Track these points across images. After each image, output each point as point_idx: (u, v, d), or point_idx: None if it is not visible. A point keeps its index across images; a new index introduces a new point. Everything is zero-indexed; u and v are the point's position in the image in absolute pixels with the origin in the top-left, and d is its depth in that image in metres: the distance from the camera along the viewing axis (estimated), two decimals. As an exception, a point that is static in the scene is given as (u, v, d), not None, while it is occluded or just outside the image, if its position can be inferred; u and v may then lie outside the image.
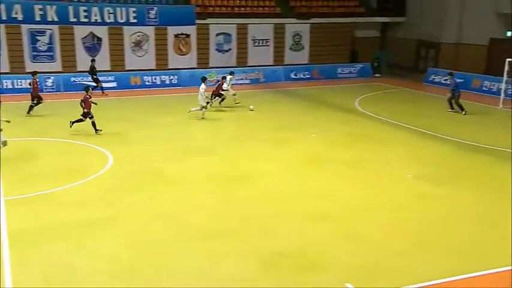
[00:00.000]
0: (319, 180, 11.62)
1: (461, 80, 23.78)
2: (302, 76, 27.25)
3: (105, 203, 10.16)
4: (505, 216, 9.56)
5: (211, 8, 26.91)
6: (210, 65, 26.56)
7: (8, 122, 12.92)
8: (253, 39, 27.62)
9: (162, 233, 8.88)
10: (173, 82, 24.76)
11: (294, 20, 28.20)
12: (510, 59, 19.64)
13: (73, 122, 15.12)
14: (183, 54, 26.30)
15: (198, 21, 25.42)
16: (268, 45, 27.99)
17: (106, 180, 11.48)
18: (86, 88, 15.68)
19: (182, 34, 26.09)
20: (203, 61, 26.64)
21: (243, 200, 10.35)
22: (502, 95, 20.03)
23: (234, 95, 19.86)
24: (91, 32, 24.35)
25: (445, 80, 24.82)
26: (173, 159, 13.11)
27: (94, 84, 21.36)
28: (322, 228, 9.01)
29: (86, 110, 15.06)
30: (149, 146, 14.28)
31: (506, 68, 19.64)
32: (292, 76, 27.04)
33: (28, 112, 17.49)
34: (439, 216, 9.61)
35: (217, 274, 7.52)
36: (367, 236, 8.74)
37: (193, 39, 26.33)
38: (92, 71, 22.22)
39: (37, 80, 18.26)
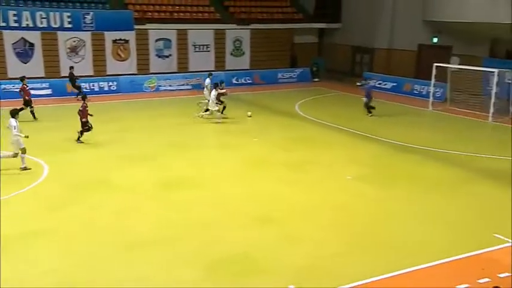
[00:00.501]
0: (263, 184, 11.78)
1: (395, 84, 25.13)
2: (243, 81, 27.48)
3: (43, 214, 9.74)
4: (436, 211, 10.18)
5: (150, 14, 26.54)
6: (151, 71, 26.16)
7: (27, 137, 12.25)
8: (194, 45, 27.52)
9: (106, 242, 8.66)
10: (112, 89, 24.14)
11: (233, 26, 28.41)
12: (437, 64, 20.90)
13: (79, 137, 14.86)
14: (122, 60, 25.70)
15: (136, 27, 24.99)
16: (209, 51, 27.99)
17: (43, 191, 10.99)
18: (83, 97, 15.28)
19: (120, 39, 25.50)
20: (143, 67, 26.19)
21: (187, 206, 10.30)
22: (431, 98, 21.27)
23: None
24: (22, 38, 23.18)
25: (379, 84, 26.10)
26: (115, 167, 12.79)
27: (77, 91, 21.38)
28: (266, 232, 9.16)
29: (83, 120, 14.75)
30: (89, 154, 13.84)
31: (434, 72, 20.88)
32: (234, 81, 27.18)
33: (34, 117, 17.50)
34: (376, 215, 10.05)
35: (162, 281, 7.44)
36: (309, 237, 8.98)
37: (132, 45, 25.80)
38: (72, 78, 21.81)
39: (26, 85, 18.02)
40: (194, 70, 27.03)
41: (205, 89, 19.77)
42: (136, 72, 25.80)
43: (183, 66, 27.19)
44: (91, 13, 23.73)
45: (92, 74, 24.61)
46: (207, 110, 18.34)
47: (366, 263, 8.05)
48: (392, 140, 15.64)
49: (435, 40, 25.37)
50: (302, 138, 16.25)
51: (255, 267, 7.89)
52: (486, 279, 7.47)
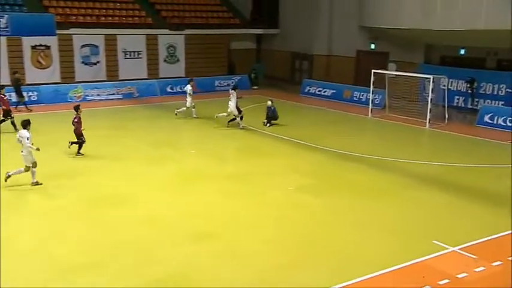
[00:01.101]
0: (201, 198, 11.72)
1: (334, 91, 25.96)
2: (179, 90, 27.17)
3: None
4: (380, 219, 10.61)
5: (74, 17, 25.72)
6: (77, 80, 25.32)
7: (38, 149, 12.11)
8: (124, 51, 26.97)
9: (32, 269, 8.22)
10: (33, 99, 23.06)
11: (167, 31, 28.19)
12: (375, 70, 21.85)
13: (78, 150, 14.91)
14: (43, 68, 24.68)
15: (59, 32, 24.08)
16: (140, 58, 27.55)
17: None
18: (77, 107, 15.12)
19: (41, 45, 24.50)
20: (68, 75, 25.28)
21: (120, 226, 10.02)
22: (370, 105, 22.19)
23: (193, 107, 20.34)
24: None
25: (319, 91, 26.89)
26: (39, 186, 12.17)
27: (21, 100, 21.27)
28: (206, 249, 9.10)
29: (78, 132, 14.83)
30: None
31: (372, 78, 21.82)
32: (169, 90, 26.92)
33: (15, 128, 16.70)
34: (319, 226, 10.30)
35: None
36: (252, 252, 9.02)
37: (54, 51, 24.88)
38: (16, 85, 21.13)
39: (4, 94, 17.96)
40: (125, 78, 26.49)
41: (187, 95, 20.36)
42: (59, 81, 24.88)
43: (112, 74, 26.55)
44: (6, 16, 22.56)
45: (8, 83, 23.32)
46: (233, 119, 18.92)
47: (309, 276, 8.21)
48: (334, 149, 16.13)
49: (373, 46, 26.55)
50: (242, 148, 16.36)
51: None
52: (427, 287, 7.86)
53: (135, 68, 27.13)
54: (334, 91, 26.11)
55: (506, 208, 11.28)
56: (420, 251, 9.02)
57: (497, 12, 18.59)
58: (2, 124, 17.53)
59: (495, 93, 21.56)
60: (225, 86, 28.65)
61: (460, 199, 11.85)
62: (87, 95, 24.54)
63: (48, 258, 8.65)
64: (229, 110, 18.79)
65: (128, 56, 27.14)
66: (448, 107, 20.62)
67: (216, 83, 28.48)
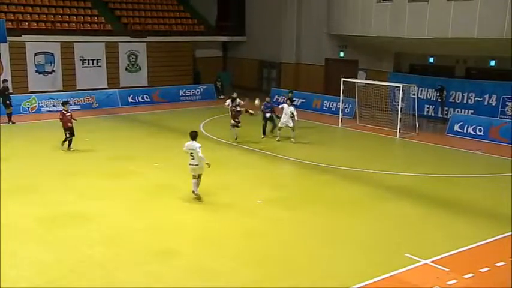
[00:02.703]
0: (165, 214, 11.63)
1: (304, 100, 26.29)
2: (141, 100, 27.03)
3: None
4: (352, 233, 10.75)
5: (27, 23, 25.23)
6: (30, 90, 24.81)
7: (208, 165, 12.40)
8: (82, 59, 26.61)
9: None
10: (-19, 111, 22.40)
11: (127, 38, 27.98)
12: (344, 79, 22.21)
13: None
14: (-8, 78, 24.05)
15: (10, 38, 23.57)
16: (100, 66, 27.22)
17: None
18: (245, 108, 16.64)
19: (-10, 53, 23.94)
20: (20, 85, 24.70)
21: (76, 245, 9.80)
22: (340, 114, 22.52)
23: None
24: None
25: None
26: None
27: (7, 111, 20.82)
28: (171, 267, 9.02)
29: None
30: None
31: (342, 87, 22.16)
32: (130, 100, 26.66)
33: (69, 147, 16.87)
34: (289, 241, 10.36)
35: None
36: (220, 268, 8.99)
37: (5, 60, 24.27)
38: (4, 94, 20.70)
39: (67, 110, 17.11)
40: (83, 88, 26.10)
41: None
42: (11, 91, 24.15)
43: (69, 84, 26.13)
44: (-49, 21, 22.02)
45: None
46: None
47: (280, 294, 8.24)
48: (303, 160, 16.29)
49: (342, 54, 27.04)
50: (208, 160, 16.26)
51: (159, 310, 7.72)
52: (399, 301, 8.02)
53: (93, 77, 26.79)
54: (303, 100, 26.37)
55: (478, 218, 11.67)
56: (392, 264, 9.18)
57: (464, 21, 19.29)
58: (69, 142, 16.89)
59: (464, 101, 22.24)
60: (189, 95, 28.63)
61: (432, 210, 12.14)
62: (42, 106, 24.03)
63: (-1, 283, 8.39)
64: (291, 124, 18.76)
65: (85, 65, 26.79)
66: (418, 116, 21.16)
67: (181, 92, 28.37)
